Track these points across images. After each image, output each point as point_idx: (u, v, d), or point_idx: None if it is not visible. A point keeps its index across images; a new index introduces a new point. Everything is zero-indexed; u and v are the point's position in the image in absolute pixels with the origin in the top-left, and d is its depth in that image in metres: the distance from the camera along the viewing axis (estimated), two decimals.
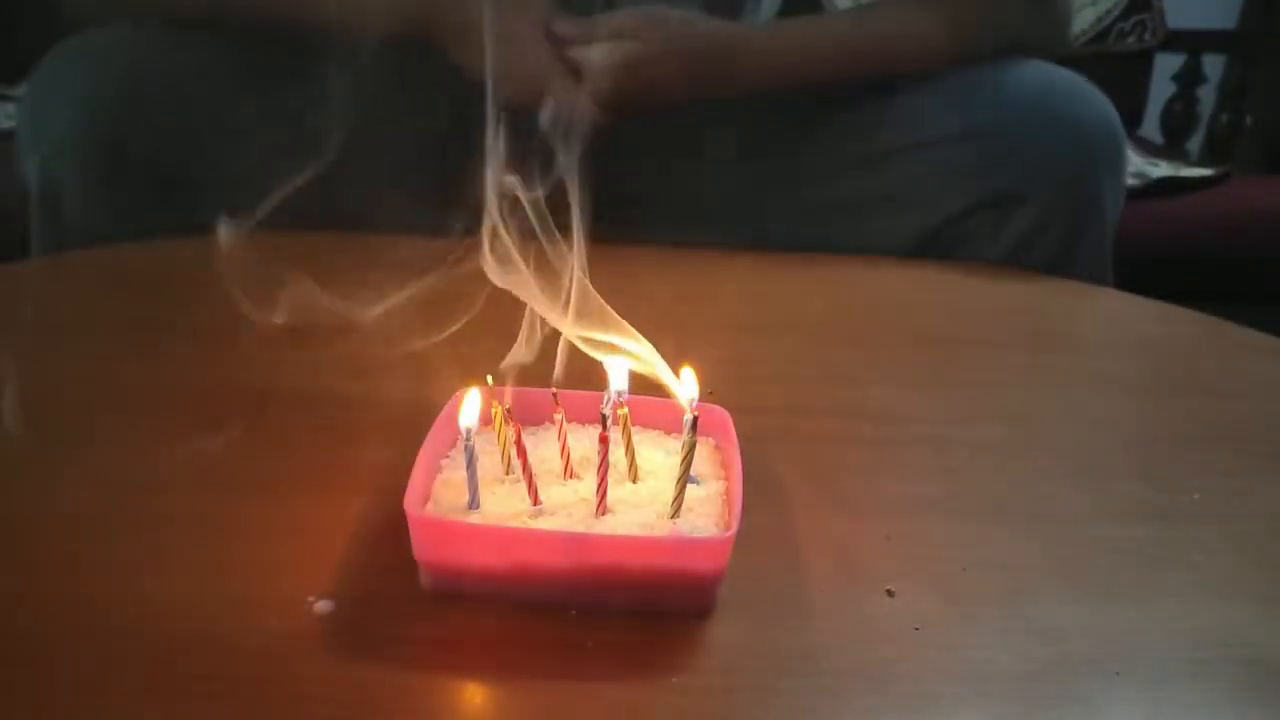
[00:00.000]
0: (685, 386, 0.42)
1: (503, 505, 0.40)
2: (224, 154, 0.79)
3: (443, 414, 0.43)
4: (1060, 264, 0.82)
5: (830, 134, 0.87)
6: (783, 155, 0.88)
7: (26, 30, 1.49)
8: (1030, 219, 0.80)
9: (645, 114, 0.80)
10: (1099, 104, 0.81)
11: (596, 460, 0.39)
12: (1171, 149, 1.67)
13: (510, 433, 0.41)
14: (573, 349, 0.45)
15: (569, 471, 0.42)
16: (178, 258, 0.75)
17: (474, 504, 0.39)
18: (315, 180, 0.84)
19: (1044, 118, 0.80)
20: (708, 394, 0.43)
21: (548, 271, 0.41)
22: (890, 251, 0.85)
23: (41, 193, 0.78)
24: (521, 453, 0.39)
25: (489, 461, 0.42)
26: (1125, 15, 1.65)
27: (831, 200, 0.87)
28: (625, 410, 0.42)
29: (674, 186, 0.87)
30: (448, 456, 0.43)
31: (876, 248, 0.85)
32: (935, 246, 0.85)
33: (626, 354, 0.42)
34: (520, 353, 0.43)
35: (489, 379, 0.43)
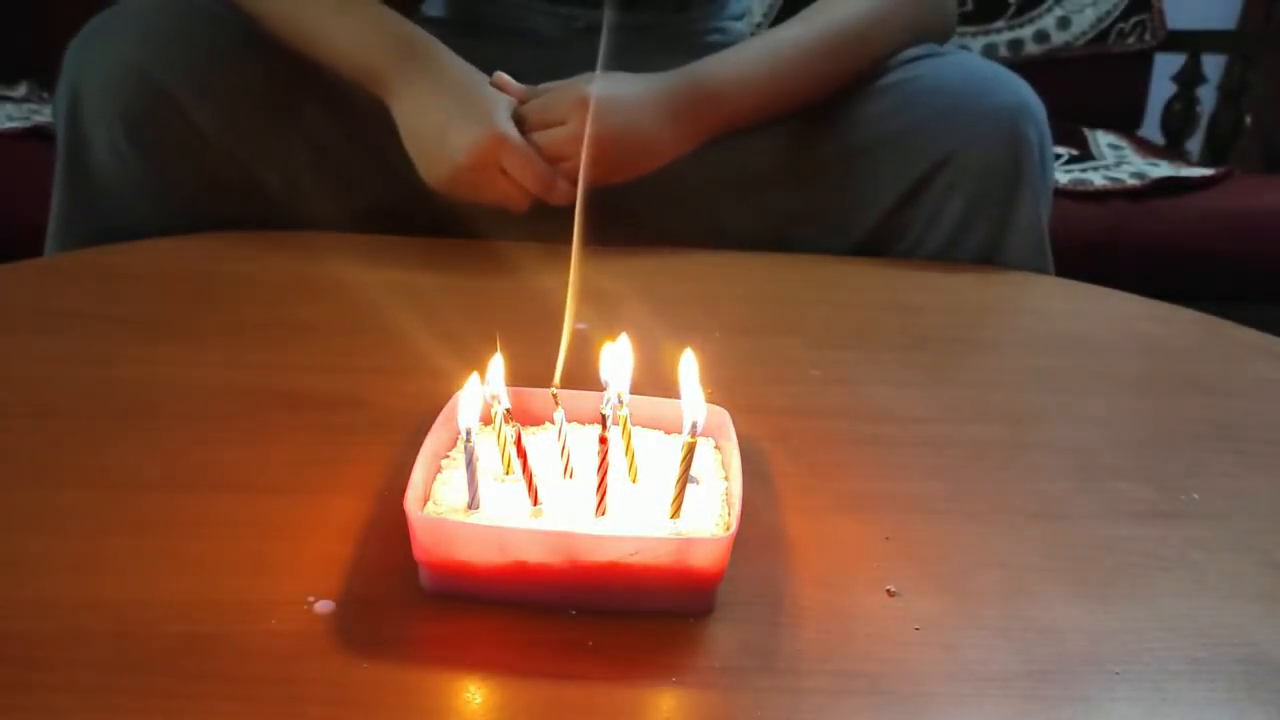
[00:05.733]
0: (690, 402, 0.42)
1: (503, 505, 0.40)
2: (254, 134, 0.79)
3: (443, 414, 0.43)
4: (992, 253, 0.81)
5: (760, 147, 0.86)
6: (724, 168, 0.86)
7: (23, 31, 1.50)
8: (958, 211, 0.80)
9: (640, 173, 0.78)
10: (1019, 91, 0.80)
11: (596, 460, 0.39)
12: (1171, 149, 1.67)
13: (510, 433, 0.41)
14: (572, 349, 0.45)
15: (569, 471, 0.42)
16: (177, 256, 0.75)
17: (474, 504, 0.39)
18: (331, 175, 0.83)
19: (965, 109, 0.78)
20: (707, 394, 0.43)
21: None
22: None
23: (69, 154, 0.78)
24: (521, 453, 0.39)
25: (489, 461, 0.42)
26: (1125, 15, 1.65)
27: (767, 211, 0.86)
28: (625, 410, 0.42)
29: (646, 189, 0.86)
30: (448, 456, 0.43)
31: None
32: (868, 249, 0.84)
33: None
34: None
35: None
